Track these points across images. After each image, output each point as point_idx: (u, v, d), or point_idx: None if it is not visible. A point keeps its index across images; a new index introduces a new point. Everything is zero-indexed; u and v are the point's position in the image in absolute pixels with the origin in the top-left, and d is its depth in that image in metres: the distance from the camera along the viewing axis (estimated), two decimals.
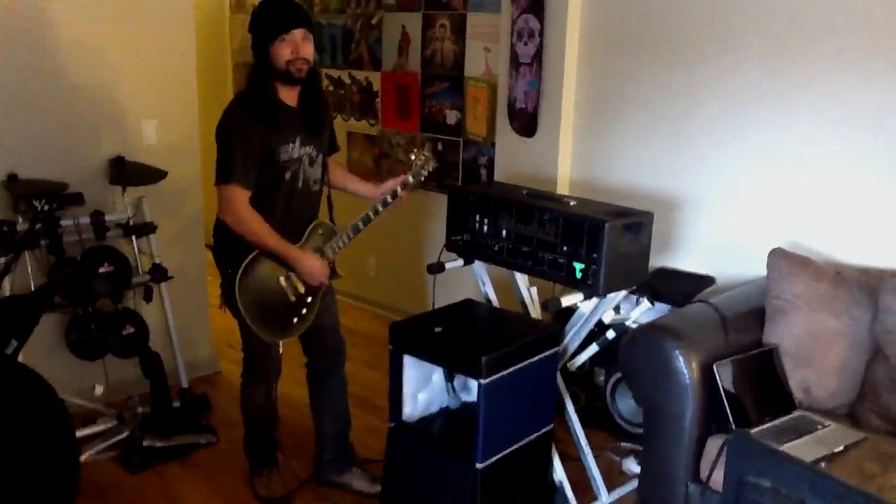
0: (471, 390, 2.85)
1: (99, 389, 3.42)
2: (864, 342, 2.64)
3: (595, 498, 2.99)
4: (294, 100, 2.71)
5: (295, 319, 2.80)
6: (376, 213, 2.79)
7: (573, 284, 2.64)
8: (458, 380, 2.91)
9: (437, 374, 2.89)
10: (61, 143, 3.39)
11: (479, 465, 2.56)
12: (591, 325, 2.89)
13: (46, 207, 3.09)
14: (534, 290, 3.06)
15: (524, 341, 2.67)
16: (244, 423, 3.03)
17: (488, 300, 3.06)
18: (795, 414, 2.56)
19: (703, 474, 2.43)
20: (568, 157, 3.81)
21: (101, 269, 3.26)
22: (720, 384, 2.46)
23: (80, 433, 3.18)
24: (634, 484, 3.03)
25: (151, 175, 3.50)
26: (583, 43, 3.67)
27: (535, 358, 2.70)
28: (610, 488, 3.02)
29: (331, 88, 5.11)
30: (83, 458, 3.13)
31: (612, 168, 3.66)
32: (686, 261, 3.42)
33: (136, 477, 3.12)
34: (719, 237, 3.32)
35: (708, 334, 2.60)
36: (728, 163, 3.26)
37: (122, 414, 3.38)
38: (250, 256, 2.65)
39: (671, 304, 3.05)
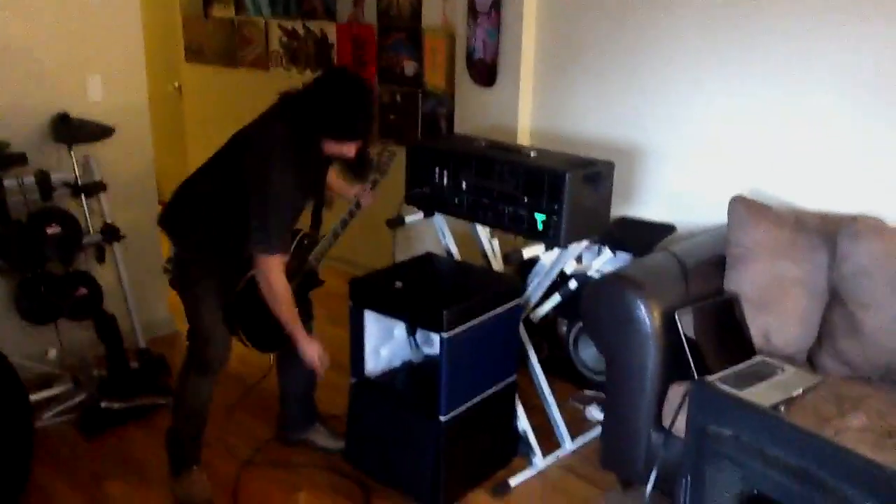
0: (433, 344, 2.84)
1: (52, 353, 3.34)
2: (823, 288, 2.66)
3: (559, 445, 3.01)
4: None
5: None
6: (352, 215, 2.82)
7: (534, 236, 2.62)
8: (421, 334, 2.89)
9: (399, 329, 2.87)
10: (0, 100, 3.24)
11: (442, 419, 2.56)
12: (553, 275, 2.88)
13: None
14: (495, 242, 3.04)
15: (486, 294, 2.66)
16: (174, 416, 2.75)
17: (449, 253, 3.03)
18: (755, 360, 2.58)
19: (666, 421, 2.45)
20: (528, 108, 3.76)
21: (49, 231, 3.15)
22: (682, 332, 2.47)
23: (34, 397, 3.10)
24: (598, 431, 3.06)
25: (98, 132, 3.38)
26: None
27: (498, 310, 2.68)
28: (573, 435, 3.05)
29: (284, 39, 4.97)
30: (39, 423, 3.07)
31: (573, 118, 3.62)
32: (647, 210, 3.42)
33: (94, 440, 3.07)
34: (680, 186, 3.31)
35: (669, 283, 2.60)
36: (688, 111, 3.24)
37: (78, 377, 3.30)
38: (247, 278, 2.61)
39: (632, 254, 3.05)
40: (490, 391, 2.76)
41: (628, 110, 3.42)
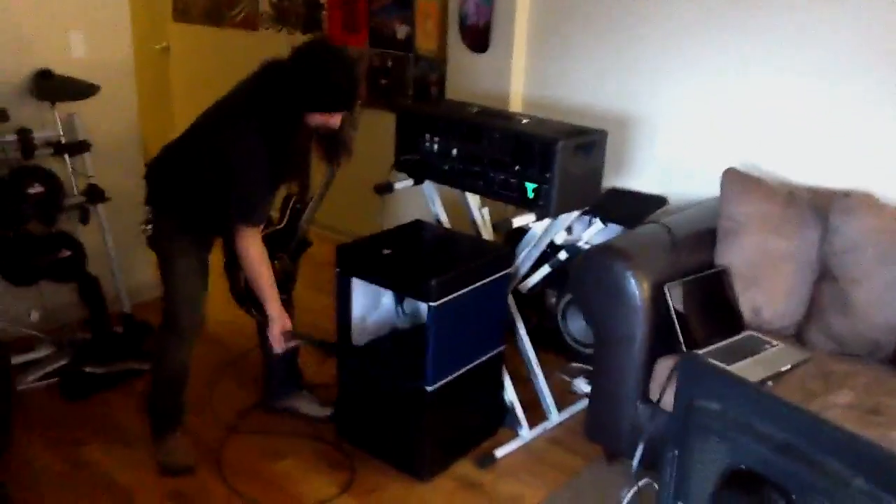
0: (421, 312, 2.81)
1: (34, 315, 3.30)
2: (813, 263, 2.65)
3: (545, 417, 3.01)
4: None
5: (284, 296, 2.74)
6: (333, 176, 2.78)
7: (525, 205, 2.59)
8: (409, 302, 2.87)
9: (387, 297, 2.84)
10: None
11: (428, 388, 2.54)
12: (542, 246, 2.85)
13: None
14: (485, 210, 3.00)
15: (475, 263, 2.63)
16: (153, 381, 2.74)
17: (438, 221, 2.99)
18: (744, 334, 2.57)
19: (653, 395, 2.44)
20: (521, 75, 3.70)
21: (31, 191, 3.09)
22: (671, 305, 2.45)
23: (15, 360, 3.07)
24: (584, 403, 3.05)
25: (82, 90, 3.30)
26: None
27: (486, 280, 2.66)
28: (560, 408, 3.05)
29: (274, 0, 4.87)
30: (20, 386, 3.04)
31: (566, 86, 3.57)
32: (639, 181, 3.38)
33: (76, 405, 3.04)
34: (673, 157, 3.28)
35: (659, 255, 2.57)
36: (682, 82, 3.19)
37: (60, 340, 3.27)
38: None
39: (623, 225, 3.02)
40: (477, 362, 2.74)
41: (622, 80, 3.37)
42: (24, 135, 3.12)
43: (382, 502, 2.61)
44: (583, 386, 3.06)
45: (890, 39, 2.67)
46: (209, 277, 2.67)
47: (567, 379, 3.26)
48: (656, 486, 1.97)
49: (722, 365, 2.32)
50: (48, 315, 3.35)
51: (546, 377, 3.00)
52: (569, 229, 3.06)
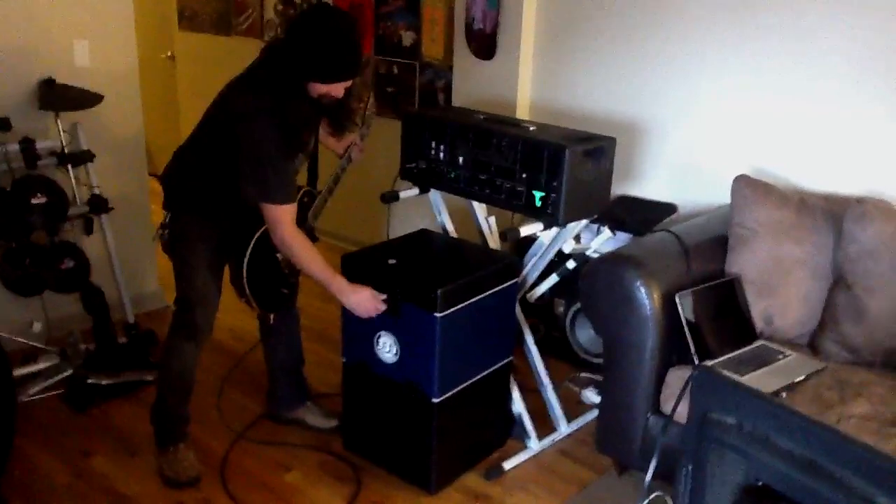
0: None
1: (37, 326, 3.28)
2: (826, 271, 2.60)
3: (554, 429, 2.96)
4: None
5: (285, 291, 2.74)
6: (343, 170, 2.76)
7: (532, 213, 2.55)
8: None
9: None
10: None
11: (435, 401, 2.50)
12: (550, 255, 2.82)
13: None
14: (492, 219, 2.97)
15: (482, 273, 2.59)
16: (159, 387, 2.70)
17: (445, 230, 2.96)
18: (757, 344, 2.53)
19: (666, 407, 2.40)
20: (528, 81, 3.68)
21: (34, 201, 3.07)
22: (682, 315, 2.41)
23: (19, 372, 3.06)
24: (594, 414, 3.01)
25: (86, 99, 3.28)
26: None
27: (493, 290, 2.62)
28: (569, 419, 3.00)
29: (279, 7, 4.86)
30: (25, 398, 3.01)
31: (574, 92, 3.53)
32: (648, 188, 3.35)
33: (81, 416, 3.01)
34: (683, 164, 3.24)
35: (669, 264, 2.53)
36: (692, 88, 3.16)
37: (65, 351, 3.24)
38: (254, 239, 2.57)
39: (633, 233, 2.98)
40: (485, 373, 2.70)
41: (631, 86, 3.33)
42: (27, 144, 3.10)
43: None
44: (592, 396, 3.01)
45: None
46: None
47: (576, 389, 3.22)
48: (668, 500, 1.93)
49: (735, 376, 2.28)
50: (52, 325, 3.32)
51: (555, 387, 2.96)
52: (577, 238, 3.02)
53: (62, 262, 3.22)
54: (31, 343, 3.23)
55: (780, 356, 2.45)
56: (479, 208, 2.90)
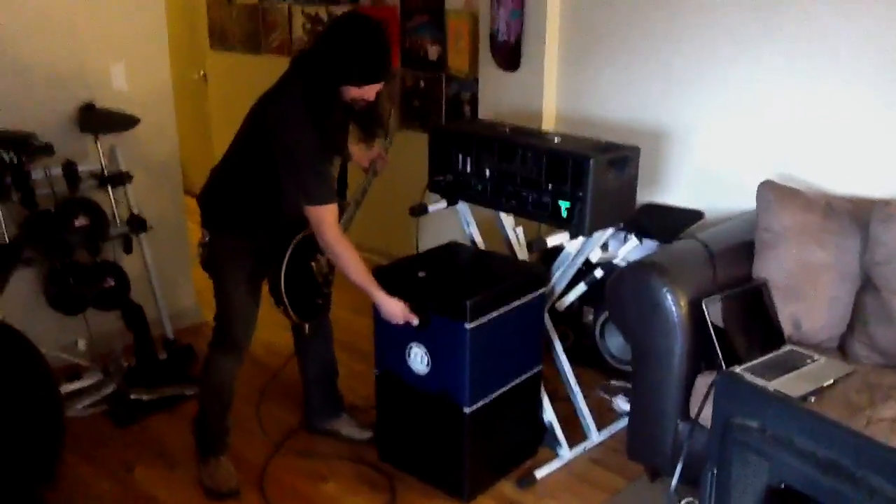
0: None
1: (82, 344, 3.38)
2: (854, 274, 2.60)
3: (585, 437, 2.98)
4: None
5: (319, 300, 2.78)
6: (370, 183, 2.81)
7: (559, 223, 2.59)
8: None
9: None
10: (24, 91, 3.25)
11: (466, 411, 2.54)
12: (578, 264, 2.84)
13: (15, 159, 2.99)
14: (519, 230, 3.01)
15: (510, 283, 2.63)
16: (201, 400, 2.80)
17: (473, 242, 3.00)
18: (784, 349, 2.53)
19: (693, 412, 2.42)
20: (553, 91, 3.71)
21: (77, 223, 3.18)
22: (709, 321, 2.43)
23: (65, 389, 3.16)
24: (625, 422, 3.02)
25: (124, 122, 3.39)
26: None
27: (522, 300, 2.66)
28: (600, 426, 3.02)
29: (308, 26, 4.95)
30: (70, 413, 3.11)
31: (599, 101, 3.56)
32: (674, 195, 3.36)
33: (124, 430, 3.10)
34: (708, 171, 3.25)
35: (696, 270, 2.55)
36: (716, 94, 3.17)
37: (107, 367, 3.34)
38: (291, 248, 2.62)
39: (659, 241, 3.00)
40: (515, 382, 2.73)
41: (655, 94, 3.35)
42: (69, 168, 3.21)
43: None
44: (622, 404, 3.03)
45: None
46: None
47: (606, 397, 3.24)
48: None
49: (761, 381, 2.29)
50: (94, 342, 3.42)
51: (585, 395, 2.99)
52: (604, 246, 3.05)
53: (104, 280, 3.32)
54: (75, 360, 3.34)
55: (809, 360, 2.46)
56: (507, 219, 2.94)
